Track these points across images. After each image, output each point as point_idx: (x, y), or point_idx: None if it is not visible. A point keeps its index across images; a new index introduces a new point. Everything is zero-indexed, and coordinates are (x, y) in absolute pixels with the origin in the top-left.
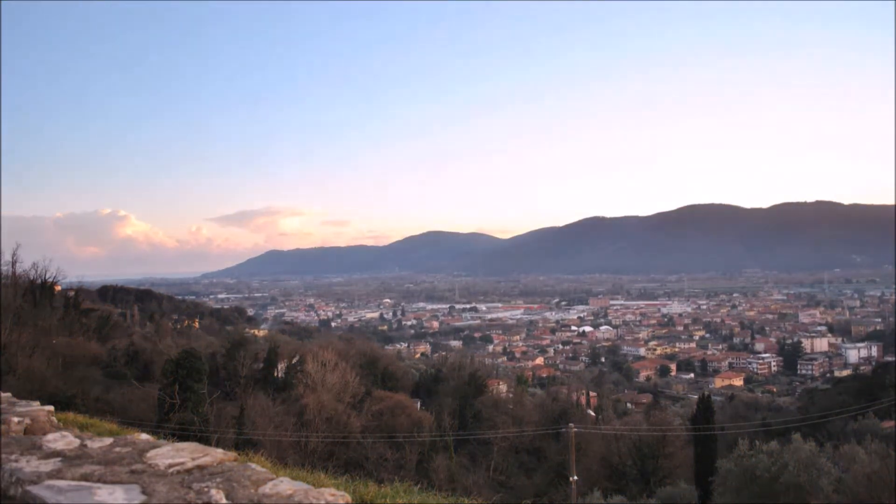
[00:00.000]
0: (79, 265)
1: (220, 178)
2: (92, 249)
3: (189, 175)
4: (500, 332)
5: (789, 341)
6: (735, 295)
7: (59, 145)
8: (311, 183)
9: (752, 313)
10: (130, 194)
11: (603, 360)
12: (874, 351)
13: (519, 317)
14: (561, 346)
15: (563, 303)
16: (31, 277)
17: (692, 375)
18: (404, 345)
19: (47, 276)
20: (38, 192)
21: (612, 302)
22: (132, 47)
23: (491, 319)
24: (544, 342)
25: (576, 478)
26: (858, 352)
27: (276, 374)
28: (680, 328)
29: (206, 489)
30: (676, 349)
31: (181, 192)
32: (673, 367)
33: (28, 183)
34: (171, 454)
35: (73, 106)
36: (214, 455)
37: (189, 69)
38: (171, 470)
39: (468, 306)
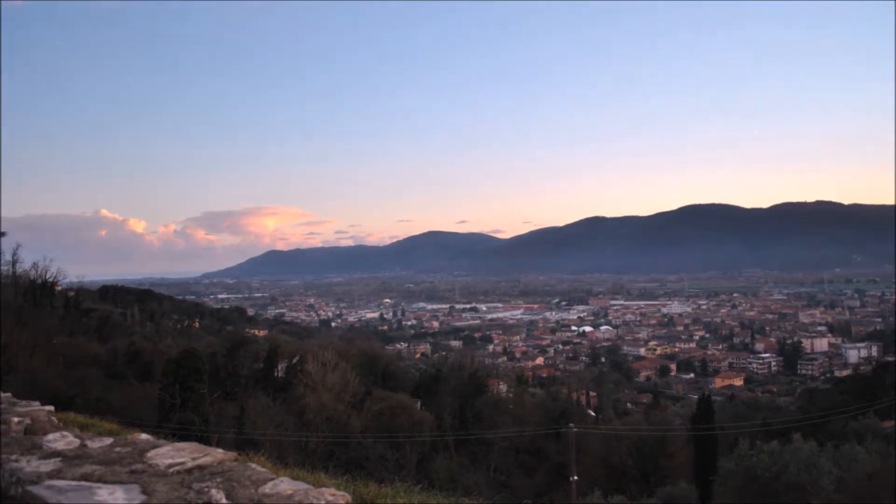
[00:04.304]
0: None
1: (200, 179)
2: (66, 250)
3: (163, 175)
4: (501, 331)
5: (789, 341)
6: (735, 295)
7: (23, 144)
8: (309, 184)
9: (752, 313)
10: (101, 194)
11: (603, 359)
12: (874, 351)
13: (519, 317)
14: (561, 346)
15: (563, 303)
16: (32, 277)
17: (692, 375)
18: (405, 345)
19: (47, 276)
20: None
21: (612, 302)
22: (108, 46)
23: (491, 319)
24: (544, 342)
25: (576, 478)
26: (859, 352)
27: (276, 373)
28: (680, 328)
29: (206, 489)
30: (676, 349)
31: (152, 193)
32: (673, 366)
33: None
34: (172, 454)
35: (40, 105)
36: (215, 455)
37: (159, 70)
38: (171, 470)
39: (468, 306)
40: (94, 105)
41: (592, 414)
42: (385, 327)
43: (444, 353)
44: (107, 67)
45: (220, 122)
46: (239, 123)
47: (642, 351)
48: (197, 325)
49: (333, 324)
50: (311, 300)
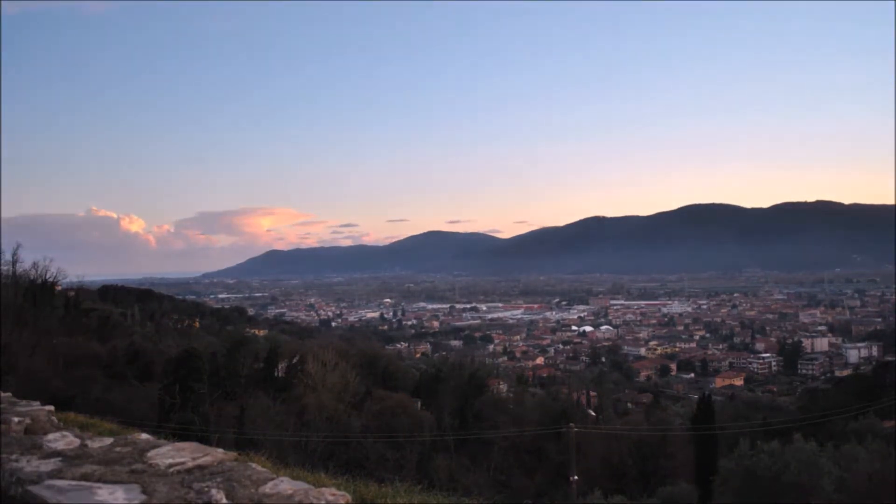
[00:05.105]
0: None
1: (194, 179)
2: (61, 250)
3: (158, 175)
4: (501, 331)
5: (790, 341)
6: (735, 295)
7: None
8: (304, 184)
9: (752, 313)
10: (96, 195)
11: (603, 359)
12: (875, 351)
13: (519, 316)
14: (561, 346)
15: (564, 302)
16: (32, 277)
17: (692, 375)
18: (405, 344)
19: (47, 276)
20: None
21: (612, 302)
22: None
23: (491, 319)
24: (545, 342)
25: (576, 477)
26: (859, 351)
27: (276, 373)
28: (680, 328)
29: (206, 489)
30: (677, 349)
31: (147, 193)
32: (673, 366)
33: None
34: (172, 454)
35: (33, 104)
36: (215, 455)
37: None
38: (171, 470)
39: (468, 306)
40: (89, 105)
41: (593, 414)
42: (385, 327)
43: (444, 352)
44: (101, 68)
45: (215, 123)
46: (233, 125)
47: (642, 351)
48: (197, 324)
49: (333, 323)
50: (312, 300)
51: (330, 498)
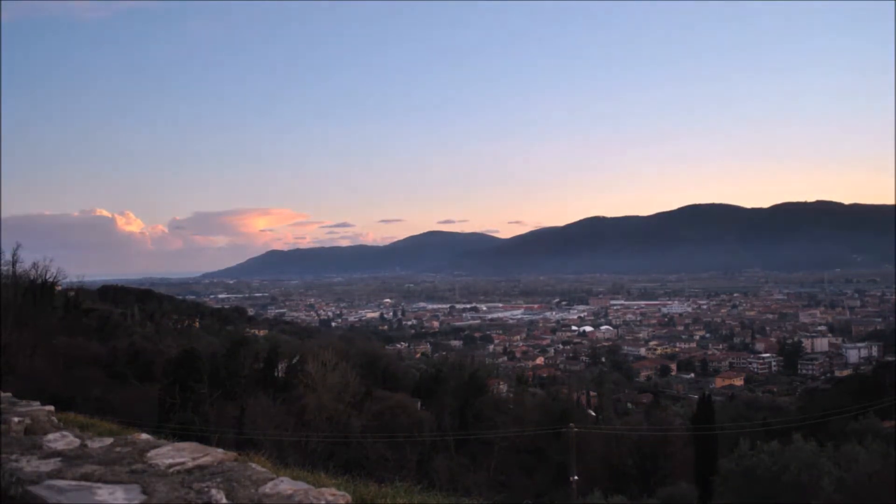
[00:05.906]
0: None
1: (190, 179)
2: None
3: (155, 176)
4: (501, 331)
5: (790, 341)
6: (735, 295)
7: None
8: (299, 184)
9: (752, 313)
10: (91, 194)
11: (603, 359)
12: (875, 351)
13: (519, 317)
14: (561, 346)
15: (564, 302)
16: (32, 277)
17: (692, 375)
18: (405, 344)
19: (47, 276)
20: None
21: (612, 302)
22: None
23: (491, 319)
24: (545, 342)
25: (576, 478)
26: (859, 351)
27: (276, 373)
28: (680, 328)
29: (206, 489)
30: (677, 349)
31: (143, 194)
32: (673, 366)
33: None
34: (172, 454)
35: (26, 104)
36: (215, 455)
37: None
38: (171, 470)
39: (468, 306)
40: (85, 105)
41: (593, 414)
42: (385, 327)
43: (444, 352)
44: (98, 69)
45: (209, 123)
46: (228, 125)
47: (642, 351)
48: (197, 325)
49: (333, 323)
50: (311, 300)
51: (330, 498)
